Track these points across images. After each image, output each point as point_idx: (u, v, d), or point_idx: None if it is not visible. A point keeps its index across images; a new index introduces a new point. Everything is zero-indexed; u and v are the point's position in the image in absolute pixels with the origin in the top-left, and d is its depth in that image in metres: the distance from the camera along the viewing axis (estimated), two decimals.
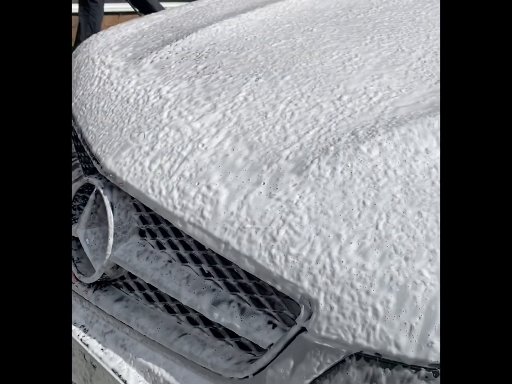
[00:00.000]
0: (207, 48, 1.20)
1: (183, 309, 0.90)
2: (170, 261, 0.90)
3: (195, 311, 0.87)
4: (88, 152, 1.03)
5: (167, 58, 1.18)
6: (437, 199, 0.77)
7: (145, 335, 0.91)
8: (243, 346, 0.84)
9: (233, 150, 0.89)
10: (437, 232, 0.73)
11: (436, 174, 0.81)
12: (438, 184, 0.80)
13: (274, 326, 0.79)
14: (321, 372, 0.73)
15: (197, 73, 1.10)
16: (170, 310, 0.92)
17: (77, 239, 1.03)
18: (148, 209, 0.92)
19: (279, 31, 1.25)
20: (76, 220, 1.03)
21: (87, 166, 1.10)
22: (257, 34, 1.25)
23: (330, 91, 0.99)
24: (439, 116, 0.89)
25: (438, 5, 1.38)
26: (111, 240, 0.93)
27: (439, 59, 1.09)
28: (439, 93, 0.97)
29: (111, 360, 0.92)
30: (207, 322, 0.87)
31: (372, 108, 0.94)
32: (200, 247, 0.86)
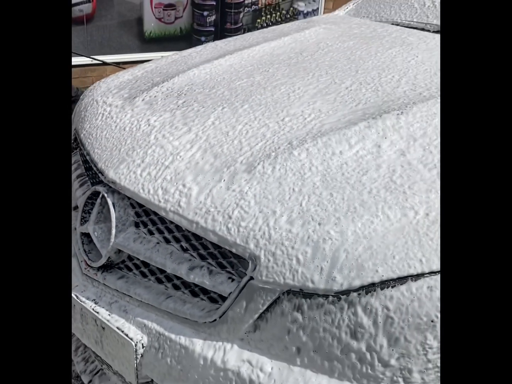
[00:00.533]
0: (186, 87, 1.54)
1: (169, 279, 1.20)
2: (158, 243, 1.21)
3: (177, 278, 1.17)
4: (95, 168, 1.35)
5: (155, 96, 1.52)
6: (344, 184, 1.09)
7: (141, 301, 1.20)
8: (213, 299, 1.13)
9: (202, 159, 1.21)
10: (343, 205, 1.04)
11: (346, 168, 1.13)
12: (347, 174, 1.11)
13: (233, 280, 1.09)
14: (265, 307, 1.03)
15: (178, 106, 1.43)
16: (159, 281, 1.22)
17: (87, 235, 1.34)
18: (140, 205, 1.24)
19: (243, 72, 1.59)
20: (87, 220, 1.34)
21: (94, 180, 1.42)
22: (225, 75, 1.59)
23: (276, 114, 1.32)
24: (353, 127, 1.22)
25: (372, 46, 1.73)
26: (113, 231, 1.24)
27: (363, 88, 1.42)
28: (357, 112, 1.30)
29: (116, 321, 1.21)
30: (186, 286, 1.17)
31: (305, 125, 1.26)
32: (179, 229, 1.17)
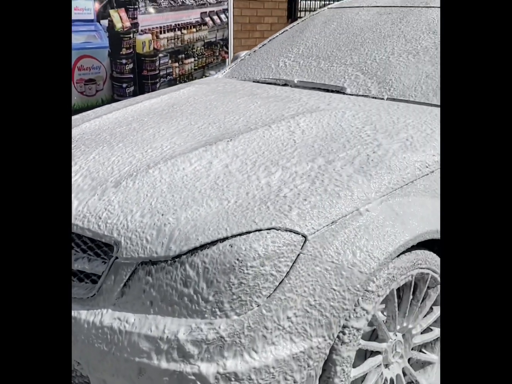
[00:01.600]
0: (78, 136, 1.99)
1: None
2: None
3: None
4: None
5: None
6: (183, 188, 1.54)
7: None
8: (94, 281, 1.53)
9: (83, 181, 1.64)
10: (180, 201, 1.49)
11: (186, 178, 1.59)
12: (186, 182, 1.57)
13: (105, 262, 1.50)
14: (127, 277, 1.44)
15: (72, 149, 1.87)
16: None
17: None
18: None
19: (124, 122, 2.07)
20: None
21: None
22: (110, 125, 2.05)
23: (142, 148, 1.78)
24: (194, 151, 1.69)
25: (227, 98, 2.24)
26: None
27: (210, 126, 1.91)
28: (201, 142, 1.77)
29: None
30: (74, 275, 1.57)
31: (162, 153, 1.73)
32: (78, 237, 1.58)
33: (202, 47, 5.89)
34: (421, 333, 1.78)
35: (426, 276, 1.66)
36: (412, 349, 1.77)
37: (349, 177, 1.56)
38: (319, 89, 2.34)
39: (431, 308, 1.77)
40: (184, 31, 5.69)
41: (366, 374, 1.61)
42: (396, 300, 1.59)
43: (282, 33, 3.11)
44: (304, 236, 1.40)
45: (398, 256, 1.55)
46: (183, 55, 5.75)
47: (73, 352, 1.49)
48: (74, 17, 4.84)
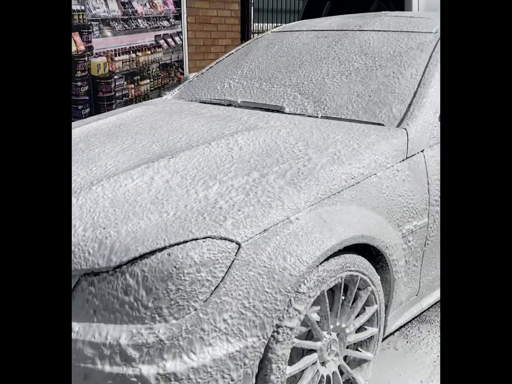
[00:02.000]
0: None
1: None
2: None
3: None
4: None
5: None
6: (124, 203, 1.64)
7: None
8: None
9: None
10: (121, 215, 1.59)
11: (128, 193, 1.69)
12: (127, 197, 1.67)
13: None
14: (73, 286, 1.52)
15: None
16: None
17: None
18: None
19: (80, 140, 2.16)
20: None
21: None
22: None
23: (87, 167, 1.88)
24: (137, 168, 1.79)
25: (172, 117, 2.36)
26: None
27: (153, 144, 2.02)
28: (144, 159, 1.88)
29: None
30: None
31: (105, 171, 1.83)
32: None
33: (158, 69, 6.01)
34: (356, 332, 1.91)
35: (355, 278, 1.80)
36: (347, 348, 1.89)
37: (280, 189, 1.69)
38: (260, 108, 2.48)
39: (363, 308, 1.91)
40: (139, 54, 5.80)
41: (303, 371, 1.72)
42: (327, 301, 1.72)
43: (228, 55, 3.25)
44: (238, 244, 1.52)
45: (327, 259, 1.68)
46: (139, 77, 5.85)
47: None
48: None
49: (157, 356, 1.44)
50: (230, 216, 1.57)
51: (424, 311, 2.48)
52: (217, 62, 3.24)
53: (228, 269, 1.50)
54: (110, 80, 5.61)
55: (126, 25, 5.62)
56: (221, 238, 1.51)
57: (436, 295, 2.34)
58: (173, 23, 6.03)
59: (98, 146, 2.07)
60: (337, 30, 2.90)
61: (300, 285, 1.60)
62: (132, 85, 5.81)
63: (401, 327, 2.47)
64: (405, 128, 2.09)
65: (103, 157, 1.95)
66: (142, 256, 1.49)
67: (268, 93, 2.58)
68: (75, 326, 1.51)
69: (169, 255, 1.48)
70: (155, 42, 5.92)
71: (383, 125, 2.15)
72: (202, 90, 2.89)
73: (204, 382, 1.46)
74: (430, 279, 2.24)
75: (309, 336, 1.78)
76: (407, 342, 2.38)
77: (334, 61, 2.60)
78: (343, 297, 1.81)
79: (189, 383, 1.45)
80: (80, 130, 2.30)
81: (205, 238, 1.51)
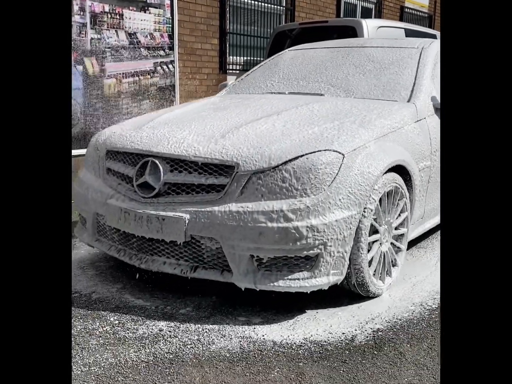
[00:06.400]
0: (168, 119, 2.97)
1: (193, 190, 2.57)
2: (184, 175, 2.59)
3: (197, 186, 2.55)
4: (140, 151, 2.69)
5: (152, 126, 2.92)
6: (268, 135, 2.61)
7: (181, 202, 2.54)
8: (219, 190, 2.52)
9: (197, 138, 2.65)
10: (268, 140, 2.56)
11: (265, 131, 2.66)
12: (266, 131, 2.64)
13: (227, 177, 2.50)
14: (244, 183, 2.46)
15: (166, 128, 2.86)
16: (187, 193, 2.58)
17: (147, 184, 2.64)
18: (172, 160, 2.61)
19: (193, 112, 3.09)
20: (141, 176, 2.64)
21: (140, 159, 2.74)
22: (185, 113, 3.06)
23: (224, 120, 2.82)
24: (260, 120, 2.77)
25: (241, 99, 3.35)
26: (162, 173, 2.58)
27: (259, 110, 3.00)
28: (260, 116, 2.86)
29: (171, 213, 2.52)
30: (203, 189, 2.55)
31: (239, 121, 2.79)
32: (197, 165, 2.57)
33: (155, 91, 6.93)
34: (395, 229, 2.95)
35: (398, 190, 2.85)
36: (392, 238, 2.92)
37: (356, 129, 2.73)
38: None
39: (399, 214, 2.95)
40: (141, 77, 6.72)
41: (373, 242, 2.73)
42: (385, 200, 2.75)
43: (255, 70, 4.30)
44: (343, 154, 2.53)
45: (385, 173, 2.72)
46: (140, 97, 6.75)
47: (210, 232, 2.45)
48: None
49: (305, 216, 2.40)
50: (334, 140, 2.58)
51: (426, 232, 3.55)
52: (246, 75, 4.28)
53: (339, 168, 2.50)
54: (118, 99, 6.47)
55: (131, 53, 6.55)
56: (334, 151, 2.52)
57: (432, 221, 3.43)
58: (167, 52, 7.02)
59: (217, 111, 3.02)
60: (345, 47, 4.04)
61: (375, 184, 2.62)
62: (135, 104, 6.69)
63: (412, 241, 3.51)
64: (413, 103, 3.21)
65: (228, 116, 2.90)
66: (291, 160, 2.46)
67: (307, 87, 3.65)
68: (249, 204, 2.43)
69: (307, 159, 2.46)
70: (154, 68, 6.87)
71: (397, 101, 3.26)
72: (248, 89, 3.91)
73: (330, 232, 2.43)
74: (429, 208, 3.33)
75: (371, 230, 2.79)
76: (413, 257, 3.44)
77: (350, 66, 3.72)
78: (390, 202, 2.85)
79: (322, 232, 2.41)
80: (188, 107, 3.24)
81: (325, 150, 2.51)
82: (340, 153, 2.54)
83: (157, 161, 2.63)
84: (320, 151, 2.51)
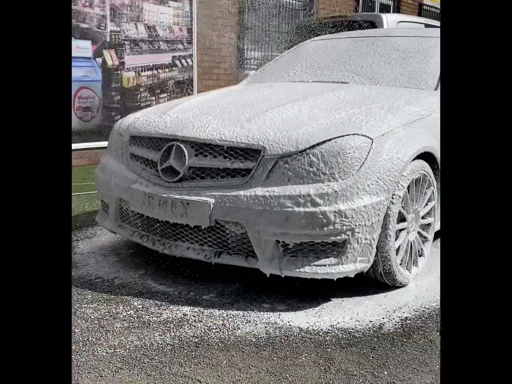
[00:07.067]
0: (191, 106, 2.94)
1: (217, 174, 2.53)
2: (210, 159, 2.55)
3: (223, 171, 2.51)
4: (166, 135, 2.66)
5: (177, 111, 2.89)
6: (295, 119, 2.57)
7: (205, 187, 2.50)
8: (245, 175, 2.48)
9: (223, 122, 2.61)
10: (296, 124, 2.52)
11: (292, 115, 2.62)
12: (292, 115, 2.60)
13: (253, 161, 2.46)
14: (271, 167, 2.42)
15: (191, 113, 2.83)
16: (211, 177, 2.54)
17: (171, 169, 2.61)
18: (197, 144, 2.57)
19: (216, 99, 3.06)
20: (166, 160, 2.61)
21: (165, 143, 2.71)
22: (208, 100, 3.03)
23: (250, 106, 2.78)
24: (287, 105, 2.73)
25: (267, 86, 3.31)
26: (187, 158, 2.54)
27: (285, 96, 2.96)
28: (286, 101, 2.81)
29: (196, 198, 2.48)
30: (230, 174, 2.51)
31: (265, 106, 2.75)
32: (222, 149, 2.53)
33: (173, 85, 6.92)
34: (421, 218, 2.88)
35: (426, 178, 2.79)
36: (419, 227, 2.86)
37: (384, 115, 2.67)
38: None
39: (426, 203, 2.89)
40: (160, 71, 6.71)
41: (401, 231, 2.67)
42: (413, 187, 2.69)
43: (277, 59, 4.26)
44: (371, 139, 2.48)
45: (413, 159, 2.66)
46: (159, 91, 6.74)
47: (235, 216, 2.41)
48: (75, 54, 5.71)
49: (333, 201, 2.35)
50: (363, 124, 2.53)
51: None
52: (268, 65, 4.23)
53: (368, 153, 2.45)
54: (136, 92, 6.47)
55: (150, 46, 6.55)
56: (363, 135, 2.47)
57: None
58: (186, 46, 7.01)
59: (241, 98, 2.98)
60: (368, 36, 3.99)
61: (404, 170, 2.56)
62: (153, 98, 6.68)
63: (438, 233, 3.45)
64: None
65: (254, 102, 2.86)
66: (318, 144, 2.41)
67: (330, 76, 3.60)
68: (275, 189, 2.39)
69: (336, 142, 2.42)
70: (172, 62, 6.86)
71: (424, 89, 3.20)
72: (270, 78, 3.87)
73: (358, 218, 2.37)
74: None
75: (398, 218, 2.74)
76: (439, 248, 3.37)
77: (375, 55, 3.66)
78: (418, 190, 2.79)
79: (349, 217, 2.36)
80: (212, 94, 3.21)
81: (353, 134, 2.46)
82: (368, 137, 2.48)
83: (182, 145, 2.59)
84: (349, 135, 2.46)
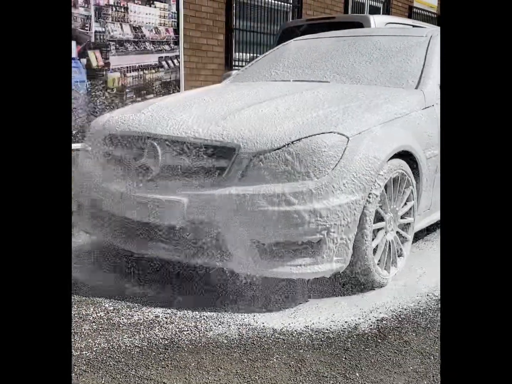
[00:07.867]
0: (170, 102, 2.90)
1: (194, 173, 2.49)
2: (185, 158, 2.50)
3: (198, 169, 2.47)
4: (141, 133, 2.62)
5: (152, 108, 2.85)
6: (271, 117, 2.53)
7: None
8: (220, 173, 2.44)
9: (197, 120, 2.57)
10: (271, 122, 2.48)
11: (268, 113, 2.58)
12: (269, 114, 2.56)
13: (228, 159, 2.42)
14: (246, 165, 2.37)
15: (166, 108, 2.79)
16: (187, 176, 2.49)
17: (145, 167, 2.56)
18: (171, 141, 2.53)
19: (196, 96, 3.01)
20: (140, 160, 2.57)
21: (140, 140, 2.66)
22: (187, 97, 2.99)
23: (226, 103, 2.74)
24: (263, 103, 2.69)
25: (247, 85, 3.27)
26: (160, 155, 2.50)
27: (261, 94, 2.92)
28: (263, 99, 2.77)
29: (170, 197, 2.43)
30: (204, 173, 2.46)
31: (241, 104, 2.71)
32: (196, 146, 2.48)
33: (160, 86, 6.87)
34: (401, 218, 2.85)
35: (404, 177, 2.75)
36: (398, 227, 2.82)
37: (362, 113, 2.64)
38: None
39: (405, 203, 2.85)
40: (146, 72, 6.66)
41: (378, 230, 2.63)
42: (391, 186, 2.65)
43: (259, 60, 4.22)
44: (347, 137, 2.44)
45: (391, 158, 2.63)
46: (145, 91, 6.69)
47: (209, 216, 2.37)
48: None
49: (308, 200, 2.31)
50: (339, 123, 2.49)
51: (433, 225, 3.45)
52: (251, 64, 4.20)
53: (344, 151, 2.41)
54: (122, 93, 6.42)
55: (136, 47, 6.50)
56: (338, 133, 2.43)
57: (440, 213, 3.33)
58: (172, 47, 6.96)
59: (218, 97, 2.94)
60: (350, 36, 3.96)
61: (381, 169, 2.53)
62: (139, 99, 6.63)
63: (419, 235, 3.41)
64: (421, 90, 3.12)
65: (231, 99, 2.82)
66: (293, 142, 2.37)
67: (312, 75, 3.56)
68: (250, 188, 2.35)
69: (311, 140, 2.38)
70: (158, 63, 6.81)
71: (404, 88, 3.17)
72: (252, 78, 3.83)
73: (333, 217, 2.33)
74: (437, 199, 3.23)
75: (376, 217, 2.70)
76: (420, 249, 3.34)
77: (357, 54, 3.63)
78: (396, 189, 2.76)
79: (324, 217, 2.32)
80: (190, 92, 3.16)
81: (329, 132, 2.42)
82: (344, 135, 2.45)
83: (155, 143, 2.55)
84: (324, 133, 2.42)
